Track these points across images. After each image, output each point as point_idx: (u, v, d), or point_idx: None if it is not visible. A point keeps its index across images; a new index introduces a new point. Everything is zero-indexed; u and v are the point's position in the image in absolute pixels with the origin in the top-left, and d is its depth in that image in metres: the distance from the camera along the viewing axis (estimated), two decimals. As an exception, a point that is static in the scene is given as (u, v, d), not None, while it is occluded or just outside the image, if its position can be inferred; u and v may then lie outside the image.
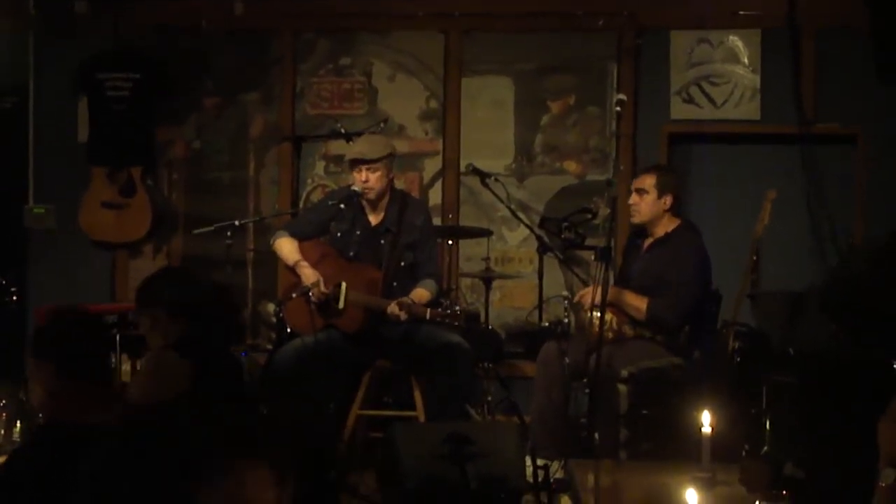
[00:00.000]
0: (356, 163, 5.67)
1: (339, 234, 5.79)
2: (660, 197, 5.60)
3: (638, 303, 5.48)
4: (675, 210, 5.65)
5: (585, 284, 5.79)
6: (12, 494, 2.36)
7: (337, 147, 7.09)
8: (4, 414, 4.28)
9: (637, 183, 5.69)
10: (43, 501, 2.10)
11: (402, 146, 7.00)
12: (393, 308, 5.42)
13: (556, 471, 5.18)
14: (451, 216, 7.15)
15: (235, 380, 4.16)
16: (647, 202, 5.62)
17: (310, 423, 5.33)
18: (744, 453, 4.73)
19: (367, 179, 5.64)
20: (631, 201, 5.69)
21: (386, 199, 5.77)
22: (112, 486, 1.52)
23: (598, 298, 5.08)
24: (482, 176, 6.17)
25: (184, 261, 7.38)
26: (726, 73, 7.10)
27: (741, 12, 7.04)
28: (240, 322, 6.58)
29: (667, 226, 5.64)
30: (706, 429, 3.87)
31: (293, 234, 5.82)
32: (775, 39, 7.02)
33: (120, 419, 2.06)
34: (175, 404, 1.63)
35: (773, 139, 7.14)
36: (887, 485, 2.36)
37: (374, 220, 5.78)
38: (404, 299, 5.43)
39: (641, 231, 5.79)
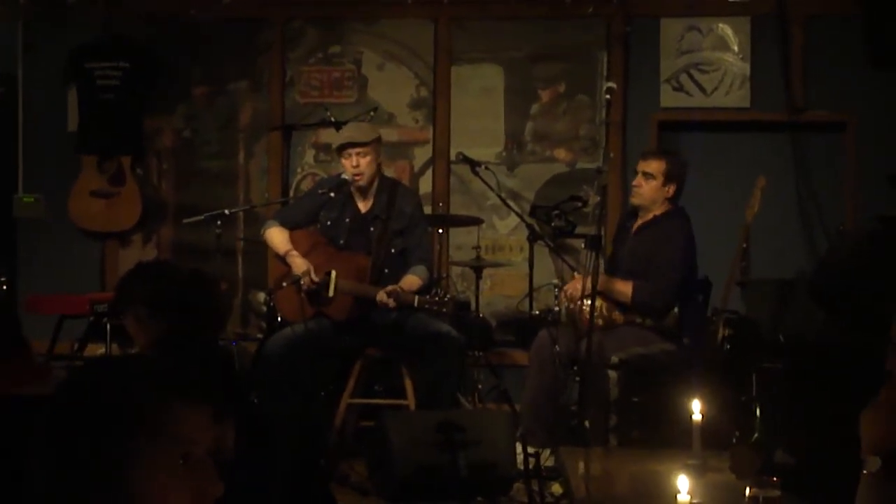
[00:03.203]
0: (346, 147, 5.64)
1: (328, 223, 5.79)
2: (665, 185, 5.56)
3: (624, 288, 5.47)
4: (674, 198, 5.63)
5: (576, 272, 5.78)
6: None
7: (327, 135, 7.07)
8: None
9: (644, 166, 5.61)
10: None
11: (391, 135, 7.00)
12: (381, 296, 5.41)
13: (547, 458, 5.19)
14: (441, 205, 7.14)
15: (225, 372, 4.15)
16: (651, 187, 5.56)
17: (300, 412, 5.35)
18: (734, 440, 4.74)
19: (358, 164, 5.62)
20: (635, 183, 5.63)
21: (375, 187, 5.76)
22: (63, 453, 1.52)
23: (586, 289, 5.09)
24: (472, 164, 6.16)
25: (173, 250, 7.37)
26: (716, 61, 7.10)
27: (730, 0, 7.04)
28: (221, 308, 6.55)
29: (658, 210, 5.63)
30: (697, 416, 3.88)
31: (283, 224, 5.82)
32: (765, 27, 7.03)
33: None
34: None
35: (763, 127, 7.14)
36: (871, 472, 2.38)
37: (363, 207, 5.77)
38: (393, 287, 5.43)
39: (633, 212, 5.78)
